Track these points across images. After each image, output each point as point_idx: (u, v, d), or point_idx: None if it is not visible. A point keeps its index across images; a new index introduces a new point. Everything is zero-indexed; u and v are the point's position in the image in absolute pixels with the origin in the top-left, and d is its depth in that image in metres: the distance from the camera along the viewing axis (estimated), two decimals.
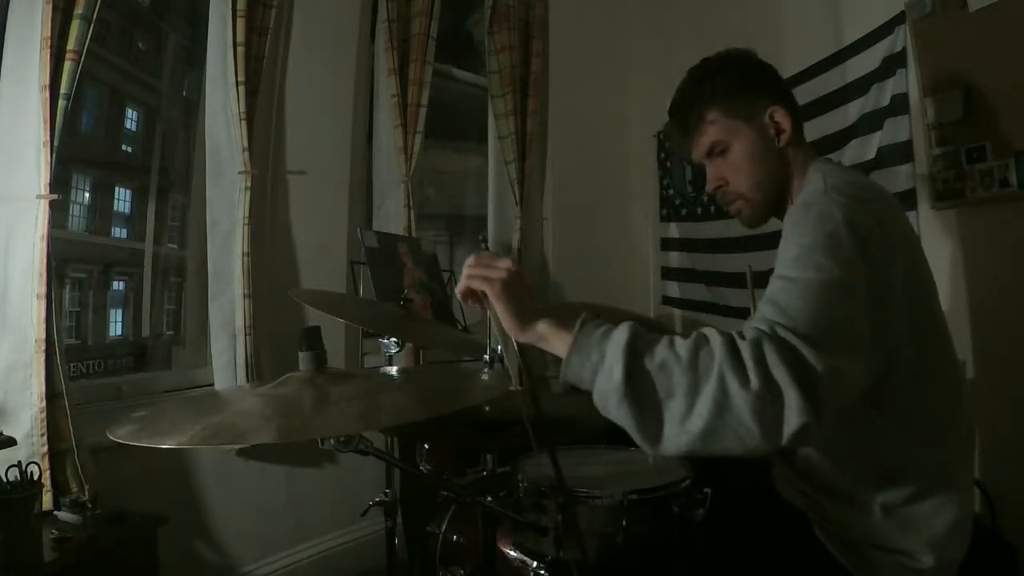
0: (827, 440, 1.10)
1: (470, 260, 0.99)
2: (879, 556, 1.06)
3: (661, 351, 0.85)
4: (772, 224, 1.33)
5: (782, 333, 0.83)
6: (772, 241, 1.51)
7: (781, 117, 1.21)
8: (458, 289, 1.00)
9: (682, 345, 0.85)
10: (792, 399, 0.79)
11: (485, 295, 0.97)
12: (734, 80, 1.24)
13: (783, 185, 1.24)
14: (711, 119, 1.24)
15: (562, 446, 1.55)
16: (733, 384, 0.80)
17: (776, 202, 1.26)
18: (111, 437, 0.91)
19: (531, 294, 0.97)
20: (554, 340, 0.94)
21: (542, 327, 0.94)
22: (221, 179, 2.24)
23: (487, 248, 1.07)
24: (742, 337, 0.84)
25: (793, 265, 0.94)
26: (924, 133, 2.17)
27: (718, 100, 1.23)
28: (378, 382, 1.22)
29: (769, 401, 0.79)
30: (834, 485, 1.11)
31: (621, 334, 0.88)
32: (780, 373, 0.80)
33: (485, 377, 1.34)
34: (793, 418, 0.79)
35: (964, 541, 1.09)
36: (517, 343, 0.96)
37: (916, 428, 1.06)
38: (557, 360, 0.95)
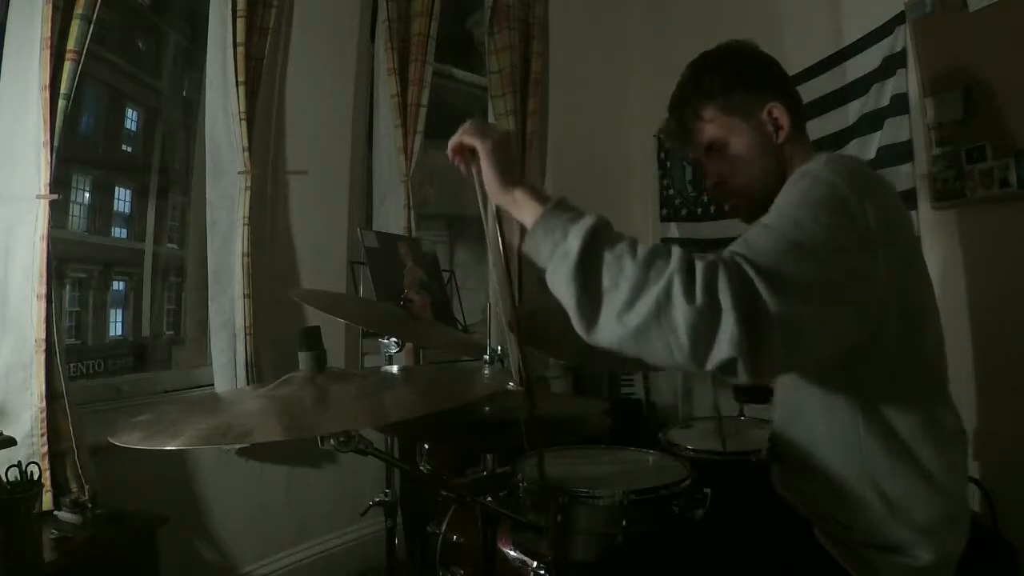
0: (820, 430, 1.12)
1: (466, 125, 1.02)
2: (878, 556, 1.06)
3: (621, 246, 0.88)
4: None
5: (742, 263, 0.85)
6: None
7: (779, 113, 1.20)
8: (450, 144, 1.03)
9: (643, 248, 0.87)
10: (729, 326, 0.80)
11: (474, 153, 1.00)
12: (732, 76, 1.23)
13: (781, 182, 1.24)
14: (708, 116, 1.23)
15: (562, 446, 1.56)
16: (678, 293, 0.81)
17: (774, 198, 1.26)
18: (116, 442, 0.90)
19: (516, 163, 0.99)
20: (526, 208, 0.96)
21: (520, 193, 0.97)
22: (221, 179, 2.24)
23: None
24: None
25: (774, 216, 0.96)
26: (924, 133, 2.17)
27: (715, 97, 1.22)
28: (379, 380, 1.22)
29: (707, 320, 0.81)
30: (830, 479, 1.11)
31: (589, 220, 0.90)
32: (725, 297, 0.81)
33: (486, 373, 1.34)
34: (724, 345, 0.81)
35: (961, 535, 1.09)
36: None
37: (903, 417, 1.06)
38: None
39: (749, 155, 1.22)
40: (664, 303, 0.82)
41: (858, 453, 1.07)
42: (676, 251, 0.86)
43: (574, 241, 0.87)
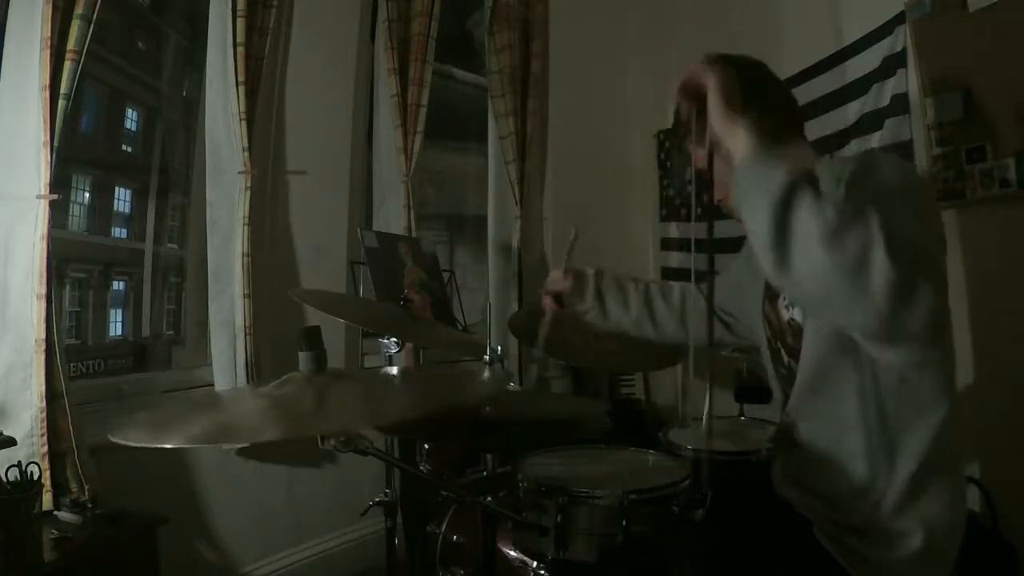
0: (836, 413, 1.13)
1: (690, 66, 1.06)
2: (877, 556, 1.06)
3: (828, 199, 0.89)
4: None
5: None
6: None
7: None
8: (681, 79, 1.06)
9: (843, 208, 0.88)
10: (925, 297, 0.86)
11: (704, 88, 1.02)
12: None
13: None
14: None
15: (562, 446, 1.56)
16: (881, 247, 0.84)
17: None
18: (114, 440, 0.89)
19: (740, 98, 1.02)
20: (743, 145, 0.98)
21: (743, 131, 0.98)
22: (221, 179, 2.24)
23: None
24: None
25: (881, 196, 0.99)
26: (924, 133, 2.17)
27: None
28: (380, 381, 1.22)
29: (906, 290, 0.86)
30: (833, 471, 1.12)
31: (804, 173, 0.91)
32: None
33: (485, 376, 1.34)
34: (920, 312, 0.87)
35: (959, 531, 1.10)
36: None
37: (914, 402, 1.08)
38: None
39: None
40: (867, 251, 0.84)
41: (871, 376, 1.08)
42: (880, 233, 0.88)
43: (783, 177, 0.90)
